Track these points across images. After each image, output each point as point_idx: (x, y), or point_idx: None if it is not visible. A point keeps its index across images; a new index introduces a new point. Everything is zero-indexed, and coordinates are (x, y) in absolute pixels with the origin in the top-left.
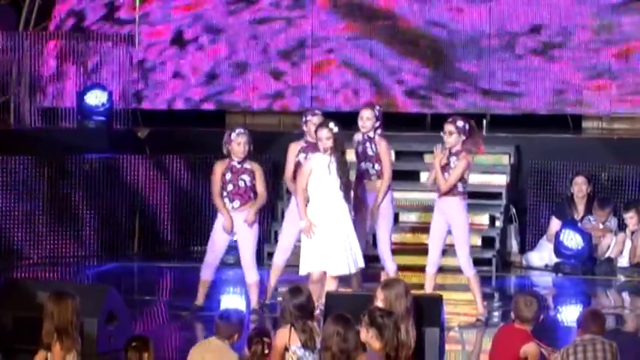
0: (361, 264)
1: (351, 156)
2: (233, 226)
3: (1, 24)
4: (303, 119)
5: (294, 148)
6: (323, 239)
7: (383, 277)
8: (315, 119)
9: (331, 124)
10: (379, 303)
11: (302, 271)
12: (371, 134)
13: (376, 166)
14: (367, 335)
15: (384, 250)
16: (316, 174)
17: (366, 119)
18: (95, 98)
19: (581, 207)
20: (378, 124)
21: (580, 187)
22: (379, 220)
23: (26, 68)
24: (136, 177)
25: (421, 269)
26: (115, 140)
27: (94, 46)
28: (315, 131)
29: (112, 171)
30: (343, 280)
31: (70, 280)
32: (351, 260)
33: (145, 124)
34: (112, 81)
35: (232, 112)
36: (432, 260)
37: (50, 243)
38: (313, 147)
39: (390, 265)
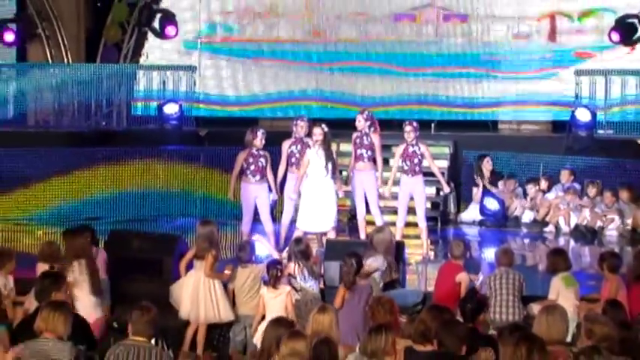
0: (326, 227)
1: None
2: (249, 194)
3: (107, 60)
4: (294, 122)
5: (285, 145)
6: (310, 205)
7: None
8: (301, 122)
9: (323, 125)
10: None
11: (300, 227)
12: (366, 130)
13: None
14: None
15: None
16: (311, 161)
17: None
18: (170, 109)
19: (487, 175)
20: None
21: (488, 161)
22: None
23: (123, 88)
24: (198, 163)
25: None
26: (184, 137)
27: (168, 75)
28: (310, 129)
29: (183, 159)
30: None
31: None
32: (323, 221)
33: (204, 126)
34: (182, 98)
35: (262, 118)
36: (401, 217)
37: (134, 206)
38: (300, 141)
39: (379, 220)
